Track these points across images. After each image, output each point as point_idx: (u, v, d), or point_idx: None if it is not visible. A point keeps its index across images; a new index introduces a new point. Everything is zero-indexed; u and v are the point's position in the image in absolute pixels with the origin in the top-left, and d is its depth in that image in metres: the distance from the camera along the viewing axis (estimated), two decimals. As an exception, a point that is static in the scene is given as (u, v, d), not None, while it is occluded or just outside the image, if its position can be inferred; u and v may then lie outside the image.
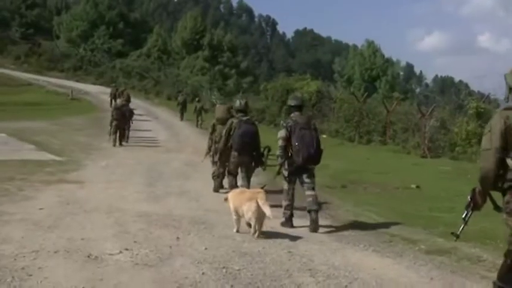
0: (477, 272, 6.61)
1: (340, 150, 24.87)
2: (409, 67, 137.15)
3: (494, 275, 6.16)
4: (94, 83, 56.95)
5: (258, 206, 7.55)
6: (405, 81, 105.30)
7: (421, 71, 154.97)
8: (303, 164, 8.70)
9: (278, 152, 9.01)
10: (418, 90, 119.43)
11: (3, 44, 65.23)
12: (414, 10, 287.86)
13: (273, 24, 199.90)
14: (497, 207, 4.88)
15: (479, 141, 21.21)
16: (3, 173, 12.58)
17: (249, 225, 7.89)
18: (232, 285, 5.61)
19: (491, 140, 4.61)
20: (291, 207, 8.95)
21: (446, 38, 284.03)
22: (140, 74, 61.36)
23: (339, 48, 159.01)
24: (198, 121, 32.64)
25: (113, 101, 36.72)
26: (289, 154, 8.78)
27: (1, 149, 17.36)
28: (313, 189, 8.89)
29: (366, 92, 41.26)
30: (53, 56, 65.46)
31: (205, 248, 6.98)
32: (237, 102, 11.19)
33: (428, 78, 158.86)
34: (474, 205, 5.09)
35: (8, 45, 65.54)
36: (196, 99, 37.10)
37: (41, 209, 8.97)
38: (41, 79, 52.51)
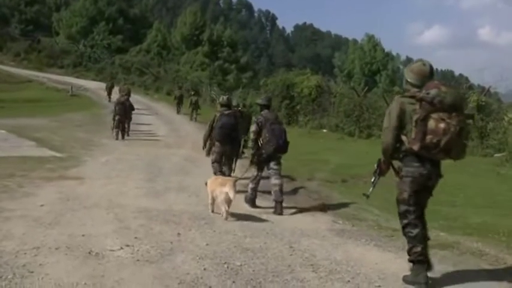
0: (480, 266, 6.58)
1: (340, 144, 24.88)
2: (409, 61, 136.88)
3: (497, 269, 6.15)
4: (94, 79, 56.88)
5: (226, 192, 8.59)
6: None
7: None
8: (273, 152, 10.01)
9: (250, 144, 10.62)
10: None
11: (3, 40, 65.20)
12: (414, 4, 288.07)
13: (272, 19, 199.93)
14: (397, 173, 6.01)
15: (480, 135, 21.10)
16: (3, 169, 12.54)
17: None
18: (234, 281, 5.60)
19: (390, 120, 5.81)
20: (255, 191, 10.32)
21: (446, 32, 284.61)
22: (140, 69, 61.32)
23: (339, 43, 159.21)
24: (192, 114, 33.76)
25: (110, 95, 38.78)
26: (260, 145, 10.08)
27: (1, 145, 17.32)
28: (279, 175, 10.13)
29: (366, 87, 41.19)
30: (53, 52, 65.38)
31: (207, 244, 6.97)
32: (221, 98, 12.49)
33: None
34: (380, 172, 6.36)
35: (8, 42, 65.51)
36: (192, 93, 37.71)
37: (41, 205, 8.94)
38: (41, 76, 52.52)
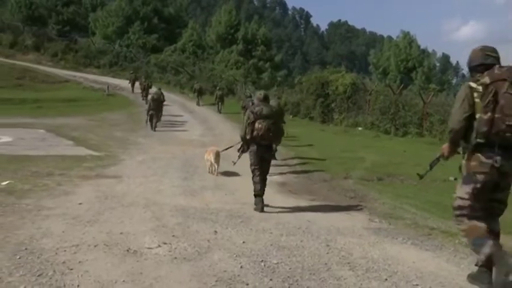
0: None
1: (375, 142, 24.70)
2: (445, 58, 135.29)
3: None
4: (141, 84, 57.25)
5: (212, 158, 13.66)
6: (441, 72, 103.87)
7: (457, 62, 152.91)
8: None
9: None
10: (454, 81, 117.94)
11: (41, 41, 65.78)
12: (450, 0, 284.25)
13: (306, 16, 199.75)
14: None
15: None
16: (42, 168, 12.74)
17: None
18: (271, 279, 5.62)
19: (244, 122, 9.90)
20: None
21: (483, 28, 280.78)
22: (175, 68, 61.54)
23: (374, 40, 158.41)
24: (218, 107, 37.44)
25: (133, 87, 43.34)
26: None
27: (40, 144, 17.61)
28: None
29: (401, 84, 40.90)
30: (89, 52, 65.78)
31: (243, 242, 7.00)
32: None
33: (465, 68, 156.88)
34: (243, 150, 10.45)
35: (45, 43, 66.02)
36: (217, 87, 41.63)
37: (80, 203, 9.07)
38: (78, 75, 52.95)
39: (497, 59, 5.63)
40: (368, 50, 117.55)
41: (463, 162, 5.70)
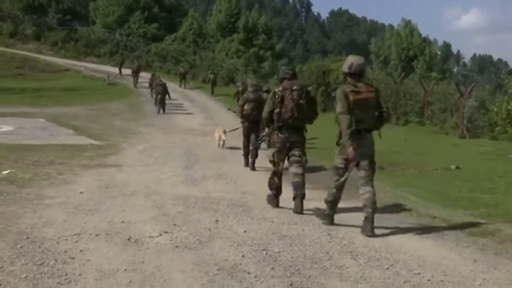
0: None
1: (376, 132, 24.65)
2: (447, 46, 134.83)
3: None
4: (130, 68, 57.10)
5: (219, 134, 16.82)
6: (443, 61, 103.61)
7: (458, 50, 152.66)
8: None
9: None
10: (455, 69, 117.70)
11: (41, 30, 65.39)
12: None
13: (307, 5, 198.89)
14: None
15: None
16: (43, 157, 12.74)
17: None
18: (272, 268, 5.60)
19: (240, 101, 14.24)
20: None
21: (485, 16, 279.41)
22: (175, 57, 61.30)
23: (375, 29, 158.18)
24: (212, 90, 41.20)
25: (121, 69, 45.69)
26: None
27: (40, 134, 17.61)
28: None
29: (402, 72, 40.78)
30: (90, 41, 65.42)
31: (245, 231, 6.99)
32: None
33: (466, 57, 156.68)
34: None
35: (46, 32, 65.68)
36: (209, 71, 45.79)
37: (81, 192, 9.07)
38: (78, 64, 52.71)
39: (292, 74, 9.01)
40: (369, 39, 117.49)
41: (272, 136, 9.01)
